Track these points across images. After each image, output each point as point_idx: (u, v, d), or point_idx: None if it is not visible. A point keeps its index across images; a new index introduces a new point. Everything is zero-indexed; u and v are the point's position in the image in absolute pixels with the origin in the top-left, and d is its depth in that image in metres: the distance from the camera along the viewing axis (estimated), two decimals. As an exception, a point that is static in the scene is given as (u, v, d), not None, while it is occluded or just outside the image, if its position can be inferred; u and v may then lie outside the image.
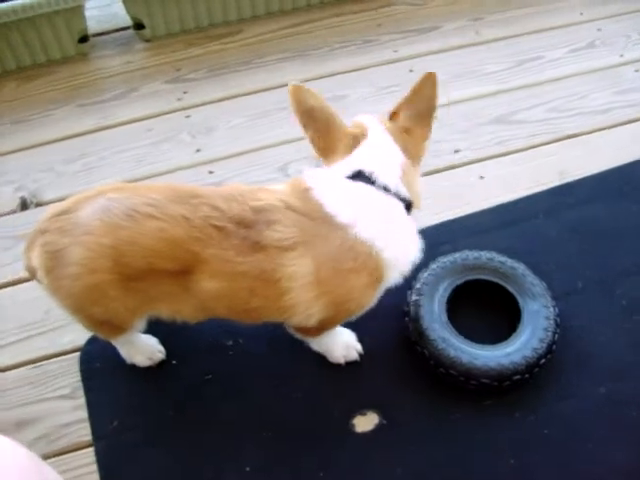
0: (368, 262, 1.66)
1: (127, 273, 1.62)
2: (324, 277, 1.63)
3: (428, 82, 1.77)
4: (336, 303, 1.71)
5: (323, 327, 1.86)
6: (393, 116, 1.80)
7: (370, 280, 1.70)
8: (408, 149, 1.75)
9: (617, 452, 1.90)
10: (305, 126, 1.73)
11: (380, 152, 1.72)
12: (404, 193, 1.71)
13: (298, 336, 1.99)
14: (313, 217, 1.64)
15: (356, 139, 1.72)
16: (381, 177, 1.69)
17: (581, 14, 3.37)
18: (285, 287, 1.63)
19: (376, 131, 1.74)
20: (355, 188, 1.68)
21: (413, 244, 1.77)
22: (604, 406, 1.98)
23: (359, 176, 1.69)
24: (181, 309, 1.76)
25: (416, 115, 1.77)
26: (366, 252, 1.65)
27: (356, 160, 1.71)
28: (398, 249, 1.72)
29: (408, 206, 1.73)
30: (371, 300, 1.79)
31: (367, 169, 1.69)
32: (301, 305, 1.68)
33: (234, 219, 1.61)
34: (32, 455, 1.20)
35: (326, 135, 1.72)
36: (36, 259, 1.68)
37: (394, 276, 1.77)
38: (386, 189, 1.69)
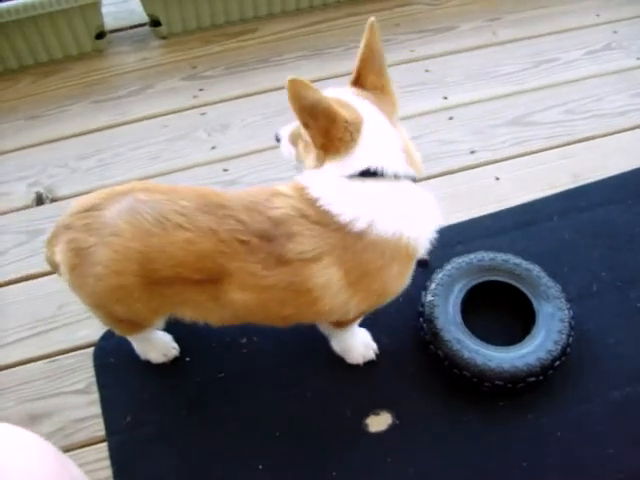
0: (396, 254, 1.63)
1: (153, 278, 1.62)
2: (355, 280, 1.62)
3: (374, 32, 1.65)
4: (373, 296, 1.71)
5: (361, 315, 1.88)
6: (358, 80, 1.69)
7: (401, 266, 1.67)
8: (389, 110, 1.67)
9: (631, 456, 1.89)
10: (306, 124, 1.57)
11: (382, 142, 1.63)
12: (412, 172, 1.65)
13: (327, 332, 2.00)
14: (330, 226, 1.59)
15: (355, 130, 1.58)
16: (390, 168, 1.60)
17: (597, 16, 3.36)
18: (317, 295, 1.62)
19: (369, 114, 1.62)
20: (366, 188, 1.60)
21: (433, 212, 1.70)
22: (618, 409, 1.98)
23: (367, 174, 1.60)
24: (208, 315, 1.76)
25: (378, 70, 1.68)
26: (391, 247, 1.61)
27: (362, 158, 1.60)
28: (423, 225, 1.67)
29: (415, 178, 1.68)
30: (407, 279, 1.76)
31: (374, 165, 1.60)
32: (337, 306, 1.67)
33: (257, 233, 1.59)
34: (56, 449, 1.21)
35: (328, 132, 1.57)
36: (60, 254, 1.67)
37: (424, 247, 1.70)
38: (397, 177, 1.62)
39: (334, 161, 1.62)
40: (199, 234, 1.58)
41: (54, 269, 1.79)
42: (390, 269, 1.64)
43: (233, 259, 1.58)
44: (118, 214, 1.61)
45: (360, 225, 1.58)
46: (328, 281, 1.60)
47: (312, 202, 1.61)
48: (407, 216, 1.63)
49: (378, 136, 1.62)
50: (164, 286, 1.65)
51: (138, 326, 1.87)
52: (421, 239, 1.67)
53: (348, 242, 1.59)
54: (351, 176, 1.61)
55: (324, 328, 2.00)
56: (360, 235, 1.59)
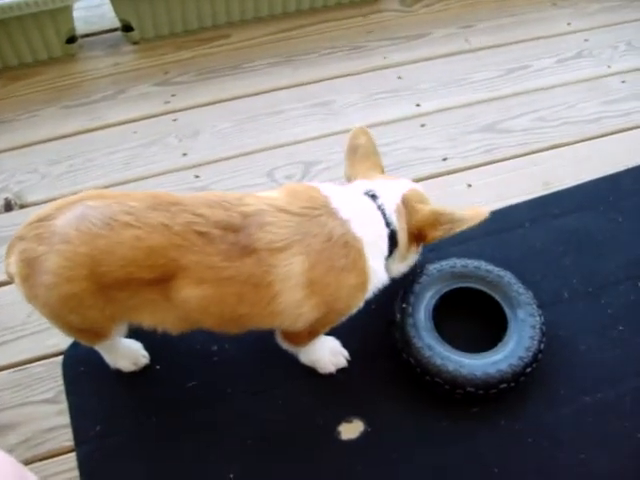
0: (358, 262, 1.70)
1: (104, 282, 1.60)
2: (316, 275, 1.65)
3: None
4: (326, 302, 1.71)
5: (312, 332, 1.86)
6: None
7: (358, 282, 1.73)
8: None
9: (602, 461, 1.90)
10: (346, 157, 1.98)
11: (389, 188, 1.86)
12: (394, 222, 1.80)
13: (287, 348, 1.99)
14: (312, 214, 1.67)
15: (376, 176, 1.92)
16: (380, 199, 1.80)
17: (569, 24, 3.39)
18: (276, 289, 1.63)
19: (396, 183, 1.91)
20: (358, 197, 1.80)
21: (383, 271, 1.83)
22: (589, 415, 1.99)
23: (365, 193, 1.82)
24: (163, 319, 1.74)
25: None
26: (358, 249, 1.70)
27: (368, 184, 1.86)
28: (378, 263, 1.78)
29: (392, 241, 1.81)
30: (357, 303, 1.81)
31: (373, 190, 1.82)
32: (291, 307, 1.67)
33: (220, 224, 1.60)
34: (12, 460, 1.19)
35: (355, 166, 1.95)
36: (13, 265, 1.66)
37: (373, 287, 1.81)
38: (380, 209, 1.78)
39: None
40: (148, 230, 1.57)
41: (12, 281, 1.76)
42: (349, 276, 1.70)
43: (188, 251, 1.58)
44: (68, 222, 1.60)
45: (342, 215, 1.70)
46: (290, 271, 1.62)
47: (307, 190, 1.75)
48: (373, 239, 1.75)
49: (389, 186, 1.87)
50: (116, 290, 1.63)
51: (99, 335, 1.84)
52: (375, 272, 1.78)
53: (321, 228, 1.65)
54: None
55: (287, 347, 1.99)
56: (338, 223, 1.68)
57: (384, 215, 1.78)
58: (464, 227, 1.83)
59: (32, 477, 1.25)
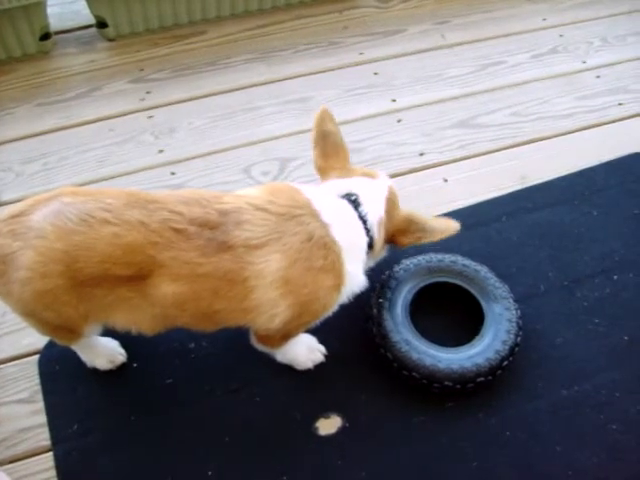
0: (336, 264, 1.71)
1: (80, 279, 1.59)
2: (293, 274, 1.65)
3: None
4: (301, 303, 1.71)
5: (286, 334, 1.86)
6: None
7: (335, 284, 1.74)
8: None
9: (579, 453, 1.92)
10: (315, 143, 1.93)
11: (373, 195, 1.84)
12: (374, 232, 1.81)
13: (262, 349, 1.98)
14: (293, 213, 1.68)
15: (355, 172, 1.90)
16: (363, 207, 1.80)
17: (544, 20, 3.41)
18: (251, 286, 1.63)
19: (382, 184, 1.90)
20: (340, 202, 1.79)
21: (362, 276, 1.84)
22: (566, 408, 2.00)
23: (347, 196, 1.81)
24: (138, 318, 1.73)
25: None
26: (336, 253, 1.71)
27: (349, 184, 1.84)
28: (356, 268, 1.79)
29: (369, 247, 1.82)
30: (333, 305, 1.82)
31: (356, 194, 1.81)
32: (266, 304, 1.67)
33: (196, 221, 1.61)
34: None
35: (328, 158, 1.92)
36: None
37: (347, 292, 1.81)
38: (363, 219, 1.79)
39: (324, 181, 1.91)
40: (127, 227, 1.57)
41: None
42: (326, 277, 1.71)
43: (165, 248, 1.58)
44: (44, 218, 1.59)
45: (323, 218, 1.70)
46: (266, 268, 1.63)
47: (288, 191, 1.75)
48: (352, 246, 1.76)
49: (372, 192, 1.85)
50: (92, 287, 1.62)
51: (73, 334, 1.83)
52: (351, 277, 1.78)
53: (301, 229, 1.66)
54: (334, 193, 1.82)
55: (262, 348, 1.99)
56: (319, 224, 1.69)
57: (365, 224, 1.79)
58: (433, 239, 1.86)
59: (4, 477, 1.23)
